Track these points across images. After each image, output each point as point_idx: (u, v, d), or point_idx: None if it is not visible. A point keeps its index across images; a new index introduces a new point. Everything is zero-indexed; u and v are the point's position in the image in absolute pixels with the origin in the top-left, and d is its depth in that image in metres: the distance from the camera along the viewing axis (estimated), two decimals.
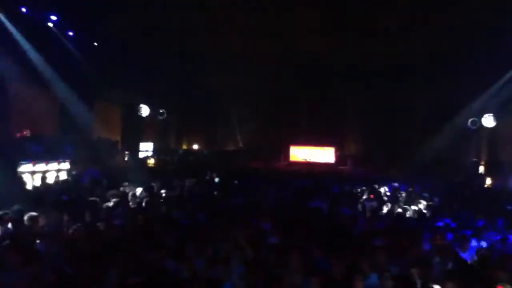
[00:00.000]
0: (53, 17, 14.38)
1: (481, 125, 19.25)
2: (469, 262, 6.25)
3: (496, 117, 18.72)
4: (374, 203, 10.70)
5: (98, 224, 7.01)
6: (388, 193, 13.42)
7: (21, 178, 11.51)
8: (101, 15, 14.28)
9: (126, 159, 18.99)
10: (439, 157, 19.32)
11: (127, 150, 19.33)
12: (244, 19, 15.68)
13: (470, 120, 19.48)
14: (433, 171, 18.15)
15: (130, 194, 10.30)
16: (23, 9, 13.01)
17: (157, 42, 16.96)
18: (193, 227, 6.95)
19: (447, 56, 17.06)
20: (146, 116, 20.96)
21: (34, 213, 6.98)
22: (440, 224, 8.46)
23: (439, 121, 19.57)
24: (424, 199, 11.78)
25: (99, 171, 13.63)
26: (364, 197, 12.20)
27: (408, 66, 18.39)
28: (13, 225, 6.69)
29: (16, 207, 7.27)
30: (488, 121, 18.96)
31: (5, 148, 11.11)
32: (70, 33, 15.27)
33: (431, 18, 14.99)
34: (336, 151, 23.91)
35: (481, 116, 19.05)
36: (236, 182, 14.58)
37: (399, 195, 12.74)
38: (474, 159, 20.28)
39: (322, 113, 23.39)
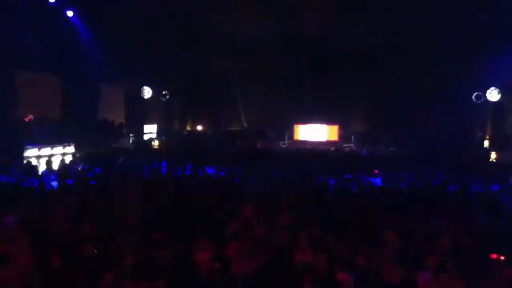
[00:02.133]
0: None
1: (486, 99, 19.12)
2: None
3: (501, 91, 18.58)
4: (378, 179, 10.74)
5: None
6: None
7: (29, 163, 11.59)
8: None
9: (130, 141, 19.04)
10: (444, 133, 19.23)
11: (131, 133, 19.35)
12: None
13: (474, 94, 19.35)
14: (438, 146, 18.08)
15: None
16: None
17: (159, 23, 16.80)
18: (202, 207, 6.97)
19: (450, 31, 16.86)
20: (149, 98, 20.93)
21: None
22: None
23: (444, 96, 19.42)
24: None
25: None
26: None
27: (411, 42, 18.21)
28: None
29: None
30: (493, 95, 18.83)
31: (11, 133, 11.17)
32: (71, 13, 15.09)
33: None
34: (339, 129, 23.84)
35: (486, 90, 18.91)
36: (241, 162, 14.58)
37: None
38: (479, 134, 20.20)
39: (326, 91, 23.20)
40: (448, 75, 19.30)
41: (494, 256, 4.91)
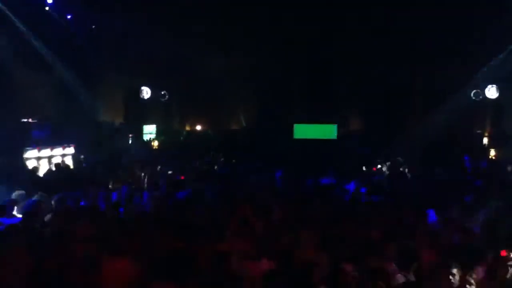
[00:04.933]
0: (49, 0, 14.27)
1: (485, 97, 19.14)
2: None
3: (500, 88, 18.59)
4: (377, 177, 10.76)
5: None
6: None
7: (26, 164, 11.61)
8: None
9: (130, 142, 19.04)
10: (442, 130, 19.22)
11: (130, 133, 19.35)
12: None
13: (473, 91, 19.35)
14: (437, 144, 18.08)
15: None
16: None
17: (157, 23, 16.81)
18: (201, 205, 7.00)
19: (449, 28, 16.88)
20: (148, 98, 20.94)
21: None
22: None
23: (442, 94, 19.41)
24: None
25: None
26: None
27: (410, 39, 18.22)
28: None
29: (17, 192, 7.29)
30: (492, 92, 18.84)
31: (10, 134, 11.18)
32: (68, 16, 15.18)
33: None
34: (339, 128, 23.80)
35: (484, 87, 18.92)
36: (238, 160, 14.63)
37: (401, 169, 12.71)
38: (478, 131, 20.21)
39: (325, 90, 23.20)
40: (446, 72, 19.33)
41: (503, 253, 4.84)
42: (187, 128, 25.55)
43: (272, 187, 8.86)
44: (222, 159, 15.40)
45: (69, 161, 13.33)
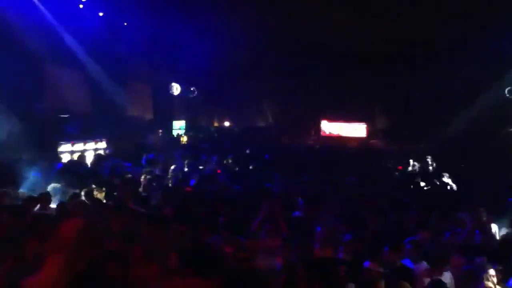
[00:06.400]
0: None
1: None
2: None
3: None
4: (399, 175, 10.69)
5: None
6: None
7: (60, 158, 11.99)
8: None
9: (159, 137, 19.34)
10: (475, 128, 18.79)
11: (160, 128, 19.65)
12: None
13: (507, 89, 18.91)
14: (469, 142, 17.71)
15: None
16: None
17: (186, 19, 17.00)
18: (226, 202, 7.09)
19: (483, 24, 16.50)
20: (178, 94, 21.19)
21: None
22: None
23: (476, 91, 18.98)
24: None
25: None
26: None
27: (443, 37, 17.92)
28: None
29: (52, 185, 7.56)
30: None
31: (44, 129, 11.55)
32: (100, 14, 15.52)
33: None
34: (367, 127, 23.54)
35: None
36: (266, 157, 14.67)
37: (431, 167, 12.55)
38: (510, 129, 19.69)
39: (353, 88, 22.95)
40: (480, 69, 18.87)
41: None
42: (215, 124, 25.76)
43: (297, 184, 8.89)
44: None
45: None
